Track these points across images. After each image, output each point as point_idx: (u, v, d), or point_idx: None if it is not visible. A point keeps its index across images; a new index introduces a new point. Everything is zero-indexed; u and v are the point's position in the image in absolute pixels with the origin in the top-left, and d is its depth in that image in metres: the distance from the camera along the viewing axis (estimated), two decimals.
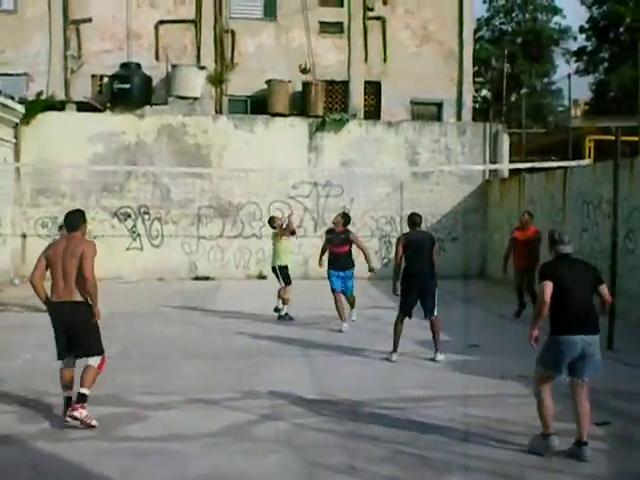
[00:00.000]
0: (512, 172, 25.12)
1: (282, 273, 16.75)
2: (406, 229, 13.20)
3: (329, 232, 16.29)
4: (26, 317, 17.06)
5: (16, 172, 24.59)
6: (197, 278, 24.82)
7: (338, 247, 15.51)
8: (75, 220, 9.19)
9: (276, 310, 16.84)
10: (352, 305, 16.17)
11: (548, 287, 7.90)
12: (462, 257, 25.13)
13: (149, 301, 19.40)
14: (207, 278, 24.68)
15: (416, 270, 12.40)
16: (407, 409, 9.44)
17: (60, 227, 9.30)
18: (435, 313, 12.60)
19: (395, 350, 12.44)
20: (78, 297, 8.80)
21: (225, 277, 24.69)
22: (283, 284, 16.74)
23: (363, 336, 14.56)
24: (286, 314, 16.68)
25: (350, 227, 16.08)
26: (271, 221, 17.54)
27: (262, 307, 17.68)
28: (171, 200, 25.17)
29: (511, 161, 25.96)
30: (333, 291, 15.46)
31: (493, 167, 25.57)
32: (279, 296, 16.89)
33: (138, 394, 10.01)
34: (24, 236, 24.61)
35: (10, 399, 9.91)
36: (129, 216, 24.99)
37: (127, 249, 24.90)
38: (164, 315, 17.22)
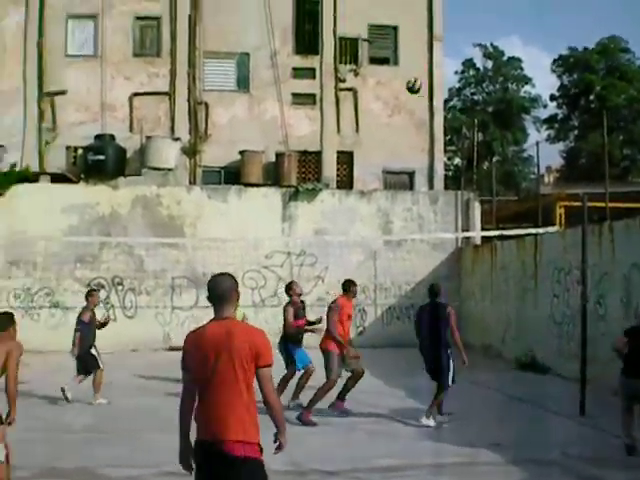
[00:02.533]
0: (484, 239, 25.31)
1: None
2: (381, 298, 13.21)
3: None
4: None
5: None
6: (172, 349, 24.63)
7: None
8: (3, 322, 9.14)
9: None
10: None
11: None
12: None
13: (123, 372, 19.27)
14: (181, 349, 24.53)
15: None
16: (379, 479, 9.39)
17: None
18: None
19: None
20: None
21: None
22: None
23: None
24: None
25: (324, 296, 15.85)
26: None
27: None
28: (145, 271, 25.14)
29: (483, 228, 26.21)
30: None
31: (465, 235, 25.79)
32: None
33: (108, 467, 9.91)
34: None
35: None
36: (102, 287, 24.88)
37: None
38: (138, 387, 17.10)
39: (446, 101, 36.11)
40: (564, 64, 54.14)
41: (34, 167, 26.66)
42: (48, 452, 9.88)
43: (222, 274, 6.55)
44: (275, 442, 5.99)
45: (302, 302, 14.97)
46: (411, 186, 28.71)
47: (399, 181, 28.88)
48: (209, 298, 6.30)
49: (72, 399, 14.93)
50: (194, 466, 5.88)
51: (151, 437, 12.03)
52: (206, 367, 5.86)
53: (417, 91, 15.94)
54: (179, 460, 6.02)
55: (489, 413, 13.20)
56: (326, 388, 13.15)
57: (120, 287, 25.07)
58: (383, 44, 29.54)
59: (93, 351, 15.35)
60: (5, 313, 9.57)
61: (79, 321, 15.52)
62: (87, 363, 15.25)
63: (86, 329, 15.40)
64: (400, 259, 25.42)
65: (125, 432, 12.49)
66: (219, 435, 5.68)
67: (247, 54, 28.66)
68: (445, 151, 30.73)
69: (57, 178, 26.03)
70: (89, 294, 16.06)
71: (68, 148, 27.80)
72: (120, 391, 16.13)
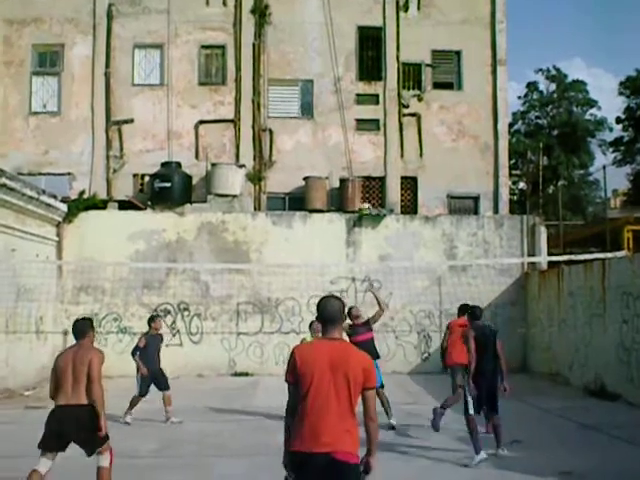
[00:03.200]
0: (551, 264, 25.01)
1: None
2: (446, 324, 12.98)
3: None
4: None
5: (58, 270, 24.96)
6: (236, 374, 24.79)
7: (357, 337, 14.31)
8: (84, 327, 9.48)
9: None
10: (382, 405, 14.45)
11: None
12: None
13: (188, 398, 19.39)
14: (246, 374, 24.64)
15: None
16: None
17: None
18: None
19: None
20: (85, 401, 8.93)
21: (264, 373, 24.59)
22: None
23: (400, 431, 14.35)
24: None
25: (389, 322, 15.77)
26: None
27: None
28: (211, 296, 25.31)
29: (549, 253, 25.93)
30: None
31: (531, 260, 25.49)
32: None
33: None
34: (65, 333, 24.82)
35: None
36: (169, 312, 25.14)
37: (166, 345, 24.90)
38: (202, 412, 17.18)
39: (510, 125, 35.85)
40: (631, 86, 53.43)
41: (102, 194, 27.13)
42: (114, 478, 9.93)
43: (332, 296, 6.80)
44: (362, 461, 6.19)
45: (366, 322, 15.01)
46: (476, 211, 28.55)
47: (463, 206, 28.75)
48: (319, 318, 6.60)
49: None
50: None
51: (213, 462, 12.09)
52: (321, 382, 6.17)
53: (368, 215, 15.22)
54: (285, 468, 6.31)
55: (558, 441, 12.99)
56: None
57: (186, 312, 25.27)
58: (446, 69, 29.52)
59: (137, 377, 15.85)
60: (84, 319, 9.78)
61: (135, 346, 15.96)
62: (159, 381, 15.80)
63: (143, 354, 15.71)
64: (465, 284, 25.18)
65: (189, 457, 12.57)
66: (332, 446, 6.00)
67: (311, 81, 28.86)
68: (510, 175, 30.52)
69: (124, 205, 26.44)
70: (151, 319, 16.35)
71: (135, 175, 28.24)
72: (185, 416, 16.23)
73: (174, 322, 25.12)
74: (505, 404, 17.74)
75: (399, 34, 28.96)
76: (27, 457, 12.32)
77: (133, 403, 15.80)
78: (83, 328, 9.41)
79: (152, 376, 15.71)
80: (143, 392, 15.79)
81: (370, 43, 29.29)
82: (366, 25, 29.21)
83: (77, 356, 9.09)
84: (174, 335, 24.93)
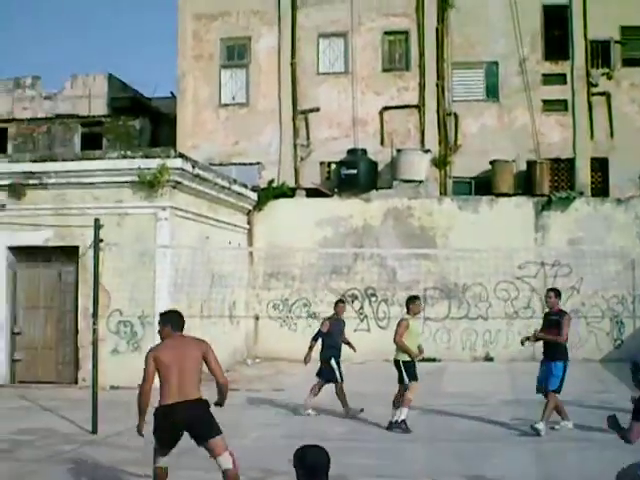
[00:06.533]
0: None
1: (407, 368, 14.05)
2: (638, 310, 12.49)
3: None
4: (255, 396, 17.67)
5: (250, 256, 25.70)
6: (423, 360, 24.70)
7: (546, 329, 13.83)
8: (182, 320, 8.99)
9: (394, 426, 13.87)
10: (545, 408, 13.49)
11: None
12: None
13: (375, 382, 19.57)
14: (433, 360, 24.56)
15: None
16: None
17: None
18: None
19: None
20: (198, 395, 8.69)
21: (451, 359, 24.50)
22: (407, 381, 13.93)
23: (592, 421, 13.96)
24: (403, 422, 13.75)
25: (580, 307, 15.05)
26: (410, 302, 14.70)
27: (488, 390, 17.49)
28: (397, 282, 25.41)
29: None
30: None
31: None
32: (399, 403, 14.01)
33: (364, 476, 10.10)
34: (257, 318, 25.57)
35: (241, 476, 10.25)
36: (356, 298, 25.44)
37: (355, 330, 25.23)
38: (390, 396, 17.30)
39: None
40: None
41: (290, 182, 27.73)
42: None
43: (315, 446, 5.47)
44: None
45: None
46: None
47: None
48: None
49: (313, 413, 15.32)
50: None
51: (401, 447, 12.20)
52: None
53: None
54: None
55: None
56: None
57: (373, 298, 25.50)
58: (636, 45, 28.36)
59: (332, 362, 15.38)
60: (176, 311, 9.29)
61: (318, 331, 15.88)
62: (326, 372, 15.45)
63: (327, 338, 15.58)
64: None
65: (374, 441, 12.72)
66: None
67: (495, 63, 28.43)
68: None
69: (312, 192, 26.94)
70: (336, 304, 16.25)
71: (322, 163, 28.67)
72: (372, 401, 16.39)
73: (362, 307, 25.40)
74: None
75: (586, 11, 28.02)
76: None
77: (340, 394, 15.44)
78: (181, 321, 8.94)
79: (337, 360, 15.68)
80: (342, 377, 15.46)
81: (556, 21, 28.52)
82: (551, 3, 28.46)
83: (187, 349, 8.78)
84: (362, 320, 25.18)
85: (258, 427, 13.74)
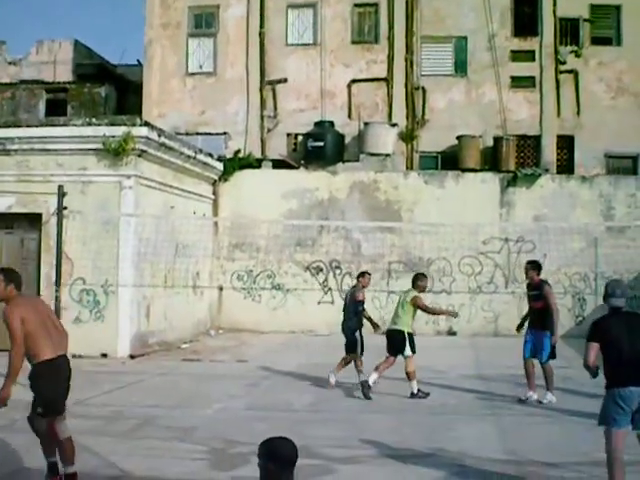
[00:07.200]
0: None
1: (411, 340, 14.33)
2: (602, 287, 12.58)
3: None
4: (218, 367, 17.66)
5: (214, 227, 25.59)
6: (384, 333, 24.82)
7: (531, 302, 14.15)
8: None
9: (363, 389, 14.16)
10: (546, 380, 13.81)
11: (593, 350, 7.94)
12: None
13: (340, 354, 19.60)
14: None
15: None
16: (600, 474, 9.00)
17: None
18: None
19: None
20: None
21: (417, 332, 24.47)
22: (410, 353, 14.20)
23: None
24: (419, 391, 14.10)
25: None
26: (417, 279, 14.86)
27: (451, 363, 17.60)
28: (362, 255, 25.43)
29: None
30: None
31: None
32: (413, 373, 14.19)
33: (327, 447, 10.12)
34: (221, 288, 25.50)
35: (201, 446, 10.25)
36: (321, 270, 25.45)
37: (318, 303, 25.31)
38: (352, 368, 17.33)
39: None
40: None
41: (256, 153, 27.60)
42: (266, 430, 10.18)
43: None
44: None
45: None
46: (635, 171, 27.56)
47: (622, 165, 27.81)
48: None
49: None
50: None
51: (366, 418, 12.25)
52: None
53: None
54: None
55: None
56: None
57: (338, 271, 25.51)
58: (605, 24, 28.45)
59: (357, 334, 15.07)
60: (15, 270, 8.83)
61: (358, 302, 15.14)
62: (350, 344, 15.09)
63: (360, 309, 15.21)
64: (623, 246, 24.36)
65: (341, 412, 12.76)
66: None
67: (464, 38, 28.38)
68: None
69: (278, 164, 26.85)
70: (361, 275, 15.72)
71: (289, 135, 28.57)
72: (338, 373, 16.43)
73: (326, 280, 25.43)
74: None
75: None
76: (182, 407, 12.85)
77: (357, 363, 14.87)
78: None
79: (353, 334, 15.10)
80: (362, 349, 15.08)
81: None
82: None
83: (44, 307, 8.65)
84: (326, 293, 25.25)
85: (221, 398, 13.70)
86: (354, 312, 15.08)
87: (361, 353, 14.88)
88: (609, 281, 8.62)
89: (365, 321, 15.35)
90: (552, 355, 13.76)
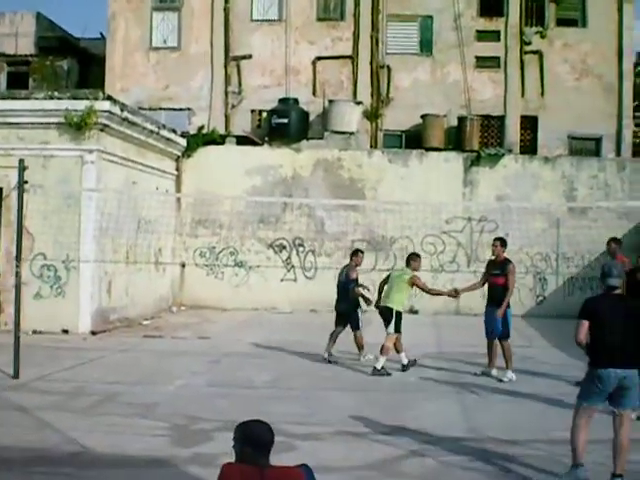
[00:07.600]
0: None
1: (398, 320, 14.49)
2: (563, 267, 12.66)
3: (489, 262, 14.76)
4: (180, 344, 17.61)
5: (177, 203, 25.44)
6: None
7: (492, 278, 14.22)
8: None
9: (378, 370, 14.21)
10: (505, 358, 14.00)
11: (583, 327, 8.07)
12: None
13: (302, 332, 19.65)
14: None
15: None
16: (558, 452, 9.15)
17: None
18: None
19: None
20: None
21: (376, 311, 24.57)
22: (392, 331, 14.37)
23: (515, 374, 14.23)
24: (382, 368, 14.21)
25: None
26: (411, 259, 14.97)
27: (413, 342, 17.63)
28: (325, 233, 25.44)
29: None
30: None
31: None
32: (388, 350, 14.38)
33: (287, 423, 10.13)
34: (183, 265, 25.39)
35: (163, 423, 10.22)
36: (284, 248, 25.42)
37: (281, 280, 25.30)
38: (316, 346, 17.35)
39: (635, 65, 34.59)
40: None
41: (220, 129, 27.43)
42: (228, 407, 10.17)
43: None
44: None
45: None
46: (597, 152, 27.79)
47: (585, 147, 28.03)
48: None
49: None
50: None
51: (327, 395, 12.29)
52: None
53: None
54: None
55: None
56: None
57: (301, 248, 25.49)
58: (571, 5, 28.60)
59: (359, 311, 15.42)
60: None
61: (351, 280, 15.49)
62: (351, 320, 15.38)
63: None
64: (585, 227, 24.51)
65: (301, 390, 12.78)
66: None
67: (430, 17, 28.39)
68: (634, 117, 29.45)
69: (242, 140, 26.71)
70: (354, 253, 16.07)
71: (253, 111, 28.47)
72: (298, 349, 16.46)
73: (289, 257, 25.41)
74: None
75: None
76: (144, 384, 12.80)
77: (358, 341, 15.50)
78: None
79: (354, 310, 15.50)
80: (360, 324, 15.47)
81: None
82: None
83: None
84: (289, 270, 25.25)
85: (183, 374, 13.67)
86: (349, 290, 15.37)
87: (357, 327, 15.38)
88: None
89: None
90: (507, 334, 13.91)
